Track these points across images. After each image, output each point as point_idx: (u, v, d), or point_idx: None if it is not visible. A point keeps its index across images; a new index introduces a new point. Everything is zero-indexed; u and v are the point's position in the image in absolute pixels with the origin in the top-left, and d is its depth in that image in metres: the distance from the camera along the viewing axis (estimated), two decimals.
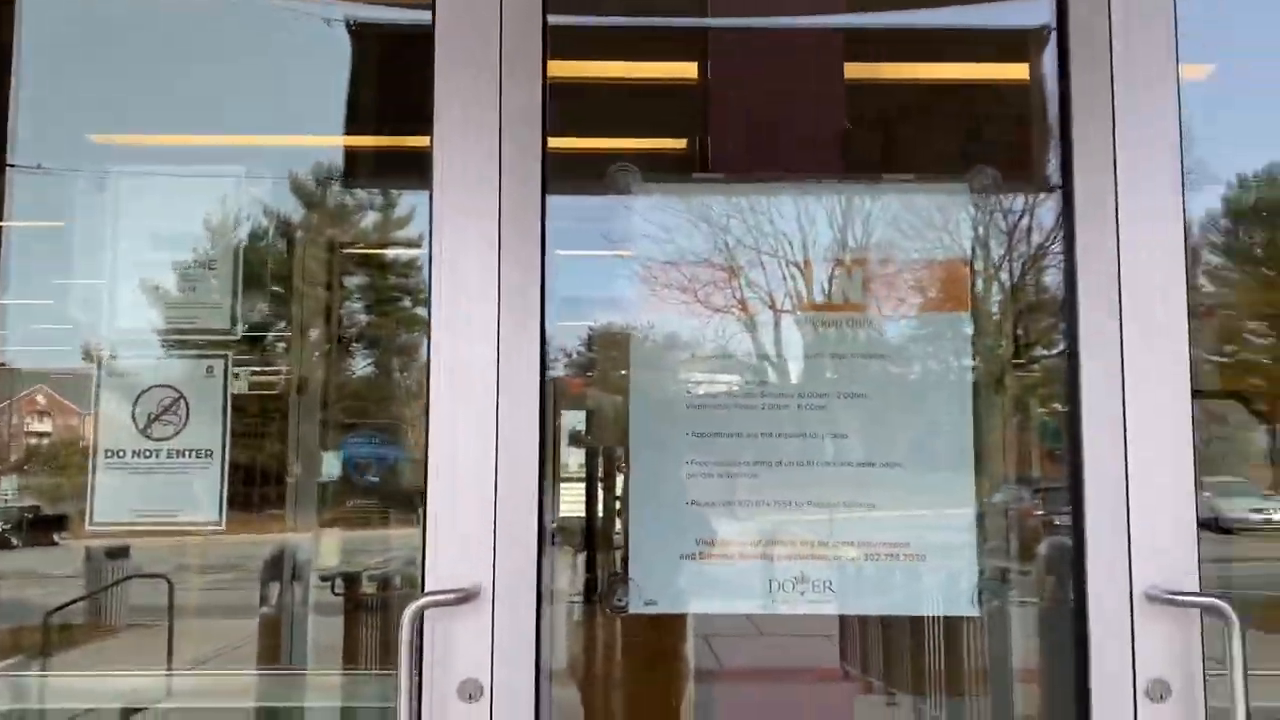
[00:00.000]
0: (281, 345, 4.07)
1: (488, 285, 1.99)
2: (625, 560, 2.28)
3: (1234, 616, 1.77)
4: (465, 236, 2.00)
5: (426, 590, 1.88)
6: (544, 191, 2.02)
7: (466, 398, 1.96)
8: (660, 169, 2.25)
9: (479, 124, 2.02)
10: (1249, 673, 1.77)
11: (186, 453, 2.20)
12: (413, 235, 5.24)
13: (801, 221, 2.16)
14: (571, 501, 3.95)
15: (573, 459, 4.65)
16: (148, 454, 2.19)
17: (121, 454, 2.22)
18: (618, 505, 4.00)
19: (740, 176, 2.20)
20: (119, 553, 4.54)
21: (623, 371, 2.61)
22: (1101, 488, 1.94)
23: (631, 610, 2.04)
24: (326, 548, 4.40)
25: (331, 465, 4.28)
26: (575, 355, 3.03)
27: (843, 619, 3.96)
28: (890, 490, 2.06)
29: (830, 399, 2.10)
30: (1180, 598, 1.87)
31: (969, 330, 2.14)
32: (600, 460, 4.18)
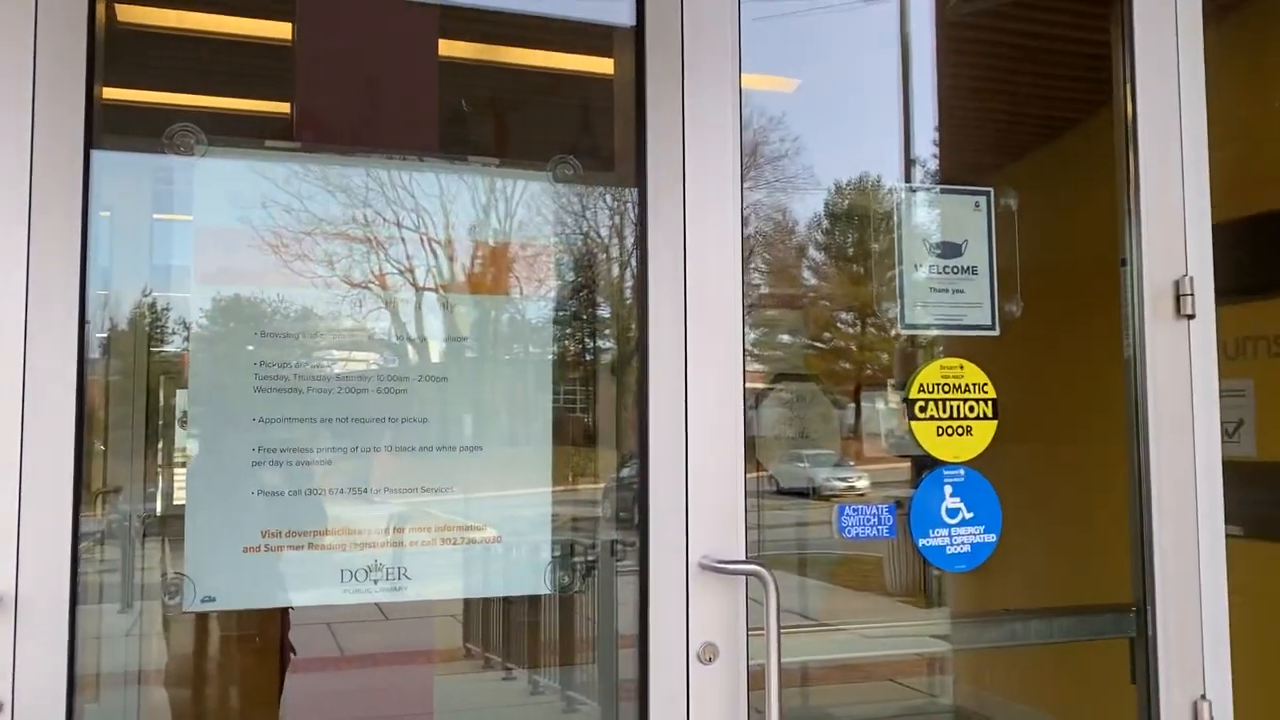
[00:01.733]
0: None
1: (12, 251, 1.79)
2: None
3: (771, 580, 1.94)
4: None
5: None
6: (88, 145, 1.83)
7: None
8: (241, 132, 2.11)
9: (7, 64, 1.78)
10: (783, 632, 1.94)
11: None
12: None
13: (386, 197, 2.09)
14: None
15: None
16: None
17: None
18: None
19: (317, 146, 2.10)
20: None
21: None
22: (664, 465, 2.06)
23: (186, 609, 1.89)
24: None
25: None
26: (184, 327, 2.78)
27: (467, 601, 3.99)
28: (470, 473, 2.06)
29: (410, 382, 2.07)
30: (727, 566, 2.02)
31: (549, 313, 2.19)
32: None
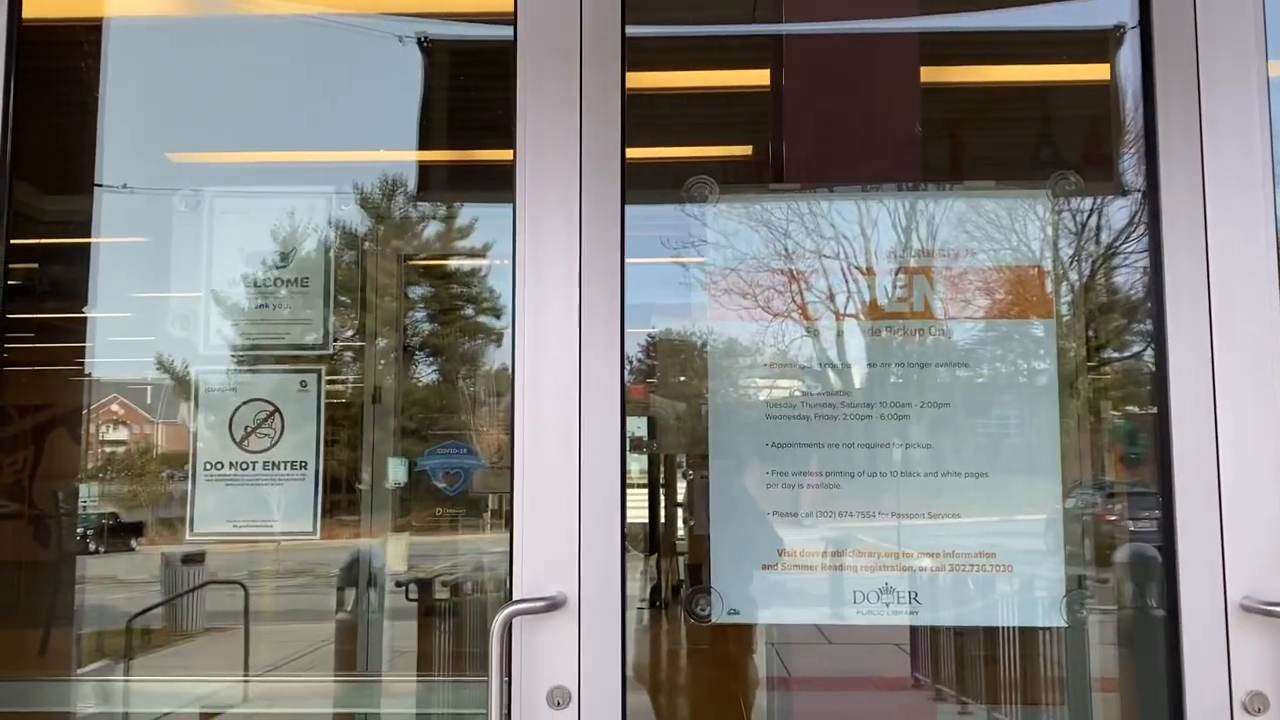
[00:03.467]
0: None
1: (569, 295, 2.01)
2: (694, 567, 2.29)
3: None
4: (544, 251, 2.03)
5: (515, 598, 1.90)
6: (623, 201, 2.04)
7: (550, 408, 1.99)
8: (732, 178, 2.27)
9: (561, 134, 2.04)
10: None
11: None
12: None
13: (880, 229, 2.15)
14: (634, 508, 3.98)
15: (633, 465, 4.69)
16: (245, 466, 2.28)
17: (219, 466, 2.29)
18: (680, 512, 4.04)
19: (814, 184, 2.21)
20: (194, 559, 4.64)
21: (683, 378, 2.59)
22: (1192, 493, 1.91)
23: (715, 620, 2.04)
24: (396, 553, 4.46)
25: (399, 473, 4.34)
26: (635, 362, 3.04)
27: (914, 630, 3.93)
28: (974, 499, 2.04)
29: (912, 408, 2.10)
30: (1275, 608, 1.83)
31: (1050, 335, 2.13)
32: (662, 467, 4.19)
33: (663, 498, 4.09)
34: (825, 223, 2.19)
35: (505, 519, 1.98)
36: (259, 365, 2.41)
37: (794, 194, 2.20)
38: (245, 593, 4.25)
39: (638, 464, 4.64)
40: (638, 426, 3.51)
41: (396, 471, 4.15)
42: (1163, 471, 1.95)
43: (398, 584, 4.11)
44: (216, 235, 2.47)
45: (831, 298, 2.15)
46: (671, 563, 4.00)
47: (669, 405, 3.16)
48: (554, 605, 1.90)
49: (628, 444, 2.01)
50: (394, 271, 4.56)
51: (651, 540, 4.01)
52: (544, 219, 2.03)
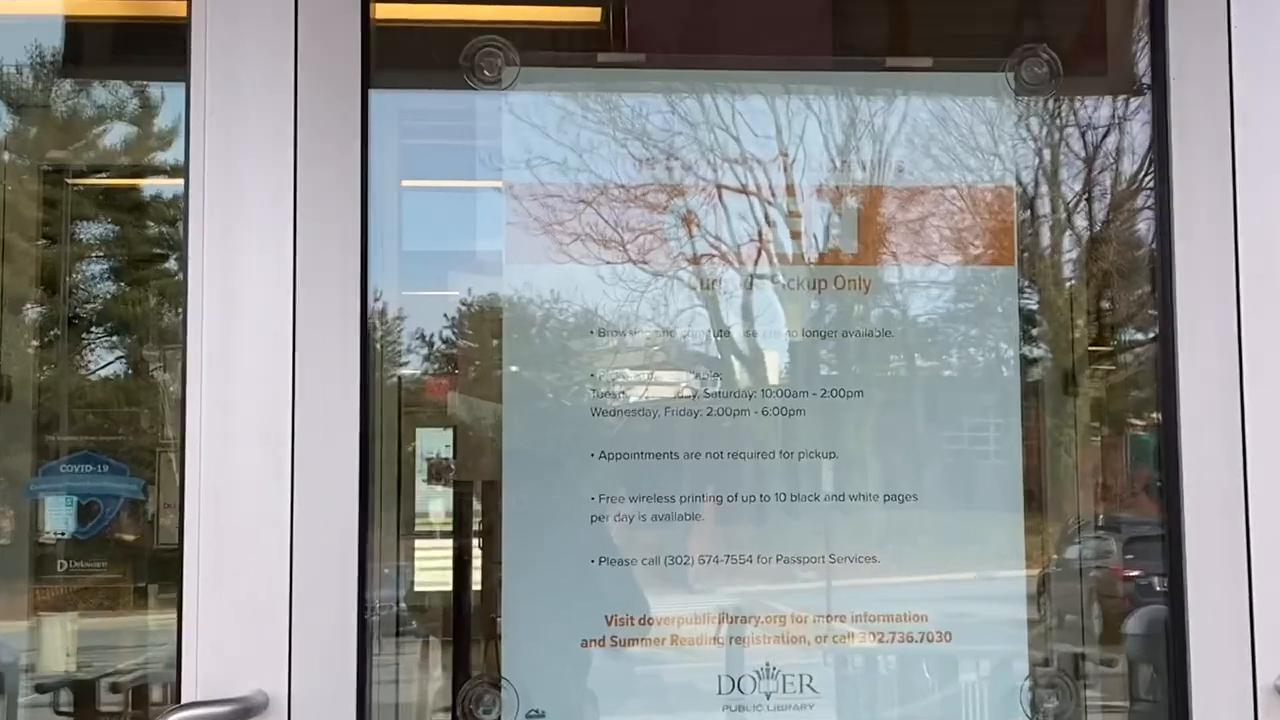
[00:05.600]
0: None
1: (277, 229, 1.90)
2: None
3: None
4: (239, 154, 1.91)
5: (183, 701, 1.80)
6: (366, 78, 1.93)
7: (244, 404, 1.88)
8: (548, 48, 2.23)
9: None
10: None
11: None
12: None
13: (765, 129, 2.12)
14: (436, 567, 3.81)
15: (436, 503, 4.48)
16: None
17: None
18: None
19: (670, 59, 2.16)
20: None
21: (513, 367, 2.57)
22: (1208, 552, 1.92)
23: None
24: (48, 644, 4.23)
25: (54, 511, 4.08)
26: (438, 342, 2.95)
27: None
28: (902, 538, 2.05)
29: (810, 400, 2.06)
30: None
31: (1013, 295, 2.12)
32: (476, 503, 4.03)
33: (479, 552, 3.96)
34: (660, 116, 2.14)
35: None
36: None
37: (629, 70, 2.17)
38: None
39: (441, 501, 4.44)
40: (442, 444, 3.36)
41: (57, 516, 3.90)
42: (1170, 502, 1.95)
43: (40, 689, 3.88)
44: None
45: (650, 231, 2.11)
46: (491, 651, 3.89)
47: (485, 410, 3.03)
48: (247, 711, 1.78)
49: (374, 462, 1.97)
50: (49, 196, 4.27)
51: (457, 616, 3.86)
52: (236, 103, 1.92)
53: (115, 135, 5.25)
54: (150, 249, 5.86)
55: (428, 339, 2.74)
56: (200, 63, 1.91)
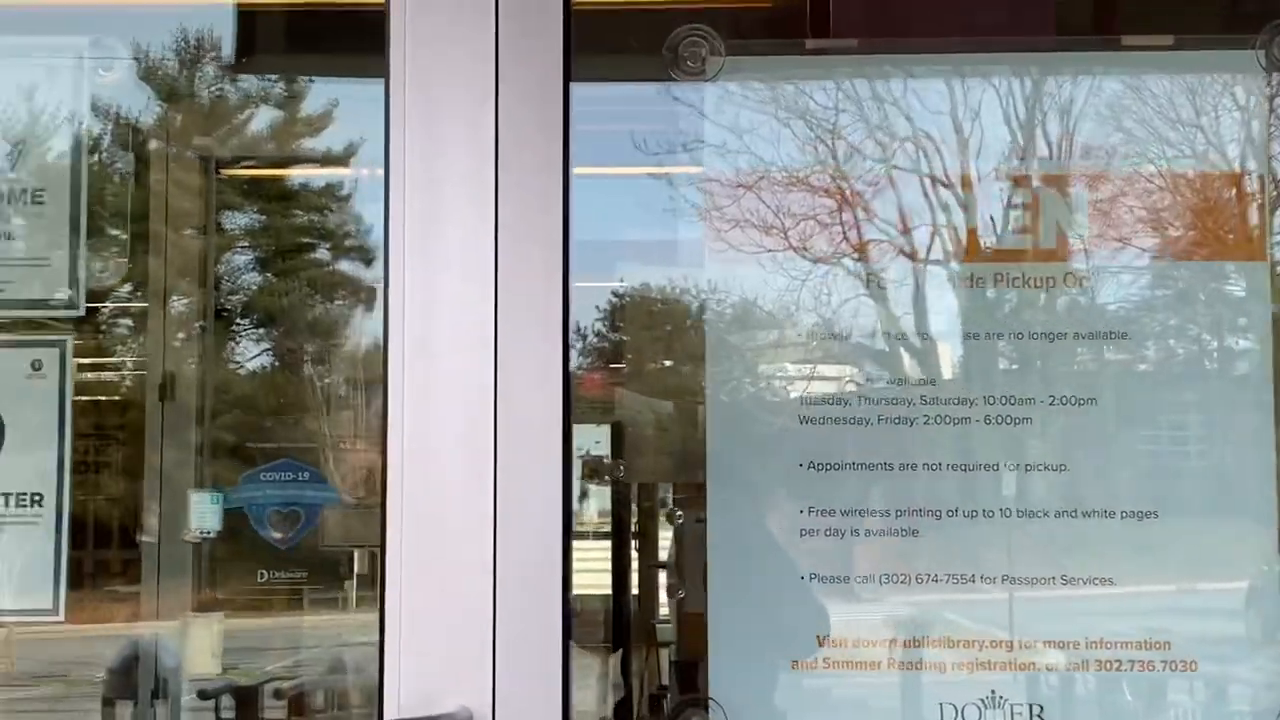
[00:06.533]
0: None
1: (478, 219, 1.92)
2: (686, 666, 2.39)
3: None
4: (441, 148, 1.94)
5: (385, 717, 1.84)
6: (567, 71, 1.95)
7: (446, 408, 1.91)
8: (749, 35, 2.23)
9: None
10: None
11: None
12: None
13: (992, 114, 2.12)
14: (592, 570, 3.80)
15: (591, 504, 4.47)
16: None
17: None
18: (664, 577, 3.88)
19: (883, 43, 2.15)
20: None
21: (668, 361, 2.58)
22: None
23: None
24: (201, 646, 4.33)
25: (206, 517, 4.18)
26: (590, 336, 2.97)
27: None
28: (1142, 557, 2.02)
29: (1036, 407, 2.04)
30: None
31: (1265, 292, 2.08)
32: (635, 506, 4.01)
33: (635, 555, 3.96)
34: (895, 109, 2.14)
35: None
36: None
37: (849, 59, 2.15)
38: None
39: (596, 501, 4.44)
40: (596, 440, 3.37)
41: (202, 514, 3.99)
42: None
43: (203, 695, 3.98)
44: None
45: (907, 231, 2.10)
46: (649, 658, 3.88)
47: (646, 406, 3.04)
48: None
49: (574, 465, 1.97)
50: (199, 186, 4.36)
51: (617, 624, 3.86)
52: (438, 94, 1.95)
53: (260, 120, 5.27)
54: (298, 238, 5.89)
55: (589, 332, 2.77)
56: (399, 57, 1.94)
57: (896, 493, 2.02)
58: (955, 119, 2.12)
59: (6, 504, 2.22)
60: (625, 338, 2.96)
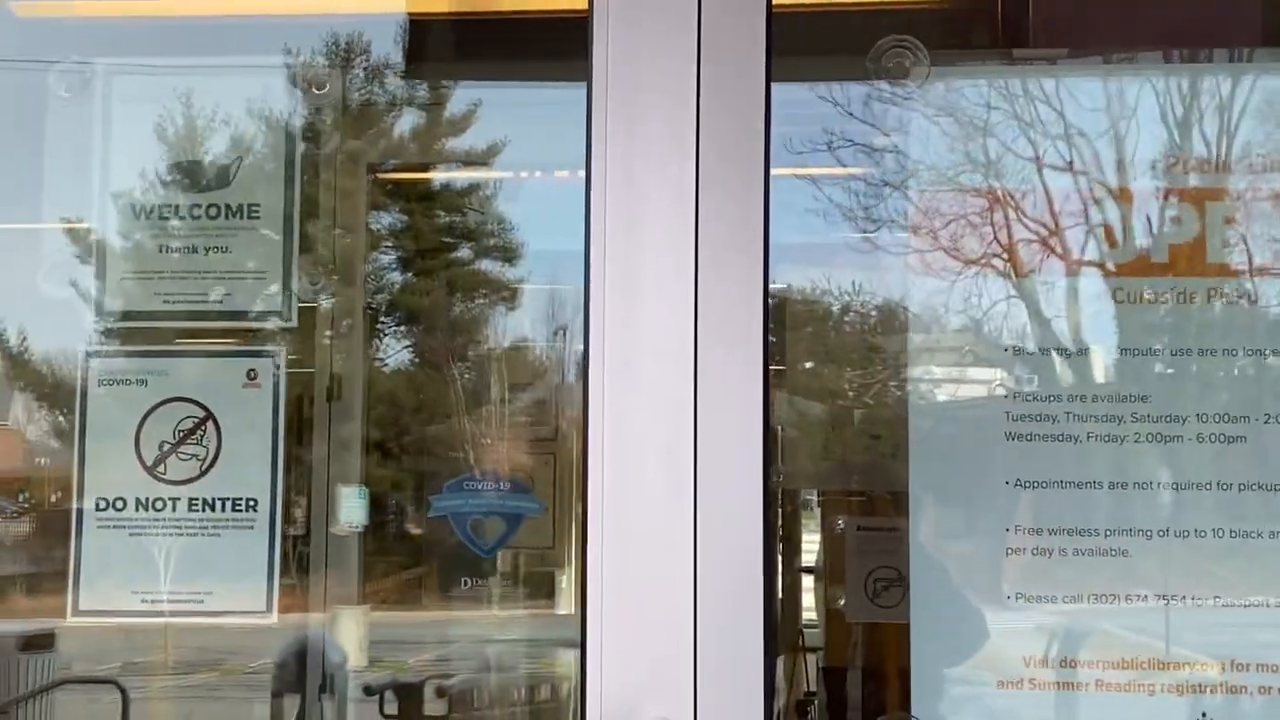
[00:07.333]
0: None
1: (678, 235, 1.92)
2: (834, 672, 2.52)
3: None
4: (639, 156, 1.93)
5: None
6: (768, 72, 1.94)
7: (645, 414, 1.91)
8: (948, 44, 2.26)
9: None
10: None
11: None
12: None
13: (1210, 122, 2.07)
14: None
15: None
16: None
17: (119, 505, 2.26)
18: (812, 581, 3.84)
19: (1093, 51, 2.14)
20: (39, 643, 4.56)
21: (809, 363, 2.56)
22: None
23: None
24: (349, 638, 4.38)
25: (354, 511, 4.22)
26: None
27: None
28: None
29: (1256, 426, 1.99)
30: None
31: None
32: (782, 508, 3.96)
33: (781, 558, 3.91)
34: (1081, 111, 2.09)
35: (523, 583, 1.91)
36: (179, 343, 2.38)
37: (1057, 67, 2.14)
38: (124, 697, 4.15)
39: None
40: None
41: (350, 508, 4.03)
42: None
43: (368, 691, 4.02)
44: (117, 134, 2.43)
45: (1114, 245, 2.08)
46: (796, 664, 3.84)
47: (800, 409, 3.03)
48: None
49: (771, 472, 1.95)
50: (354, 191, 4.40)
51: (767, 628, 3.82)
52: (639, 98, 1.94)
53: (405, 122, 5.27)
54: (440, 238, 5.92)
55: None
56: (602, 63, 1.94)
57: (1107, 511, 1.99)
58: (1168, 124, 2.10)
59: (224, 509, 2.27)
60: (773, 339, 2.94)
